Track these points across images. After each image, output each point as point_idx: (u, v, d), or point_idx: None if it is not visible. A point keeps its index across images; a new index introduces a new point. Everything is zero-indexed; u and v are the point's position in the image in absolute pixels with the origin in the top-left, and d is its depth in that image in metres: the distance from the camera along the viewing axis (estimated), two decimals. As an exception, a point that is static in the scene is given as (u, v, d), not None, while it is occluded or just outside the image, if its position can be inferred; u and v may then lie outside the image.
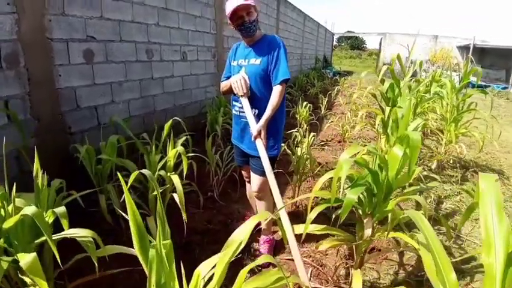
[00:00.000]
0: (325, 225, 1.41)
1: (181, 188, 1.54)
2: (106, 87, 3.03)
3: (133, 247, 1.06)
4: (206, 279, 0.95)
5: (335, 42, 28.47)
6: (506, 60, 14.88)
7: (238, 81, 1.73)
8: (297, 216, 2.41)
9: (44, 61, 2.44)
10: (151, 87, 3.64)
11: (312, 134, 3.05)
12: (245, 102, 1.73)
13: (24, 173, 2.32)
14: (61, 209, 1.13)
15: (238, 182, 2.73)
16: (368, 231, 1.34)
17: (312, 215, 1.27)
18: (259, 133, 1.65)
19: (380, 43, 22.20)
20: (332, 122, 4.51)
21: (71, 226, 1.14)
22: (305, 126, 4.39)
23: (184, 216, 1.52)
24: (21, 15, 2.22)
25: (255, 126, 1.66)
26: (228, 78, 1.94)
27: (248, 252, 2.03)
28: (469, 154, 3.97)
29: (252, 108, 1.78)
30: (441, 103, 3.97)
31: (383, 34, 21.45)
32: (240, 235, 0.95)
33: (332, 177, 1.35)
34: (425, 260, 0.96)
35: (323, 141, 4.50)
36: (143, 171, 1.17)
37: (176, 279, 0.86)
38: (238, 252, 0.95)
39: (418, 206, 2.63)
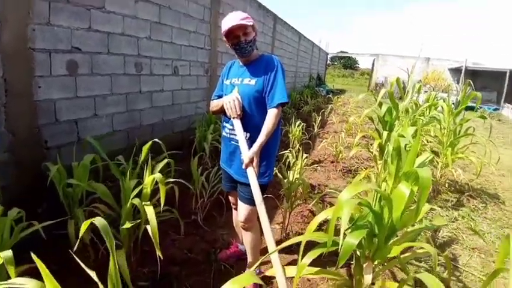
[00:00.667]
0: (319, 268, 1.24)
1: (155, 223, 1.36)
2: (89, 101, 2.88)
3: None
4: None
5: (328, 61, 28.95)
6: (497, 82, 15.27)
7: (231, 101, 1.59)
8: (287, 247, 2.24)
9: (24, 72, 2.31)
10: (138, 101, 3.49)
11: (305, 155, 2.91)
12: (237, 124, 1.58)
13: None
14: (7, 254, 0.95)
15: (225, 205, 2.55)
16: (368, 278, 1.18)
17: (305, 261, 1.11)
18: (251, 161, 1.49)
19: (373, 64, 22.62)
20: (326, 141, 4.39)
21: (34, 252, 0.97)
22: (297, 145, 4.27)
23: (158, 253, 1.34)
24: (3, 24, 2.11)
25: (247, 153, 1.50)
26: (220, 97, 1.81)
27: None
28: (464, 177, 3.89)
29: (243, 132, 1.64)
30: (437, 126, 3.90)
31: (376, 55, 21.90)
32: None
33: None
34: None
35: (315, 161, 4.37)
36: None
37: None
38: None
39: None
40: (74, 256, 0.92)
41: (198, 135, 3.73)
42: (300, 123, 4.66)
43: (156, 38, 3.68)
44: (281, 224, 2.50)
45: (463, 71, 15.04)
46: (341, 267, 2.02)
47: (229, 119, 1.69)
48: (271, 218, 2.62)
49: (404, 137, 1.61)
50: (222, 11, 5.23)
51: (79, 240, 1.13)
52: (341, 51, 32.44)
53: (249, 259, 1.85)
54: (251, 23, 1.61)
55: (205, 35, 4.83)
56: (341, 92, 19.14)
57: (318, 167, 4.02)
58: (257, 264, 1.29)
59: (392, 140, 1.95)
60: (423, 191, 1.11)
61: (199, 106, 4.85)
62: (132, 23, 3.26)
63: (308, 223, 2.63)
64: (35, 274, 0.99)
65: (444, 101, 3.96)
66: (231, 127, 1.70)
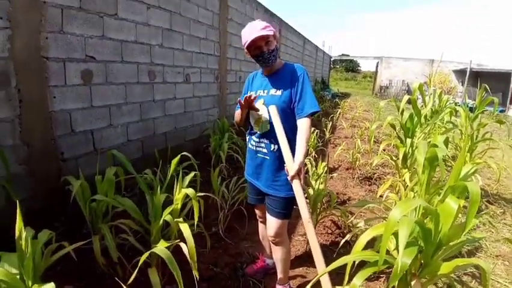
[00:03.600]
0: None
1: (192, 243, 1.29)
2: (104, 110, 2.83)
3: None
4: None
5: (330, 65, 28.95)
6: (501, 84, 15.13)
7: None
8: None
9: (38, 82, 2.25)
10: (151, 110, 3.45)
11: (323, 163, 2.84)
12: (280, 133, 1.48)
13: (11, 203, 2.06)
14: (49, 287, 0.88)
15: (246, 216, 2.48)
16: (418, 297, 1.11)
17: (357, 282, 1.03)
18: (298, 172, 1.41)
19: (377, 66, 22.56)
20: (340, 148, 4.31)
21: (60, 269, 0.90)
22: (313, 153, 4.19)
23: (195, 272, 1.26)
24: (15, 31, 2.04)
25: (291, 165, 1.42)
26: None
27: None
28: (482, 184, 3.81)
29: (271, 144, 1.57)
30: (455, 131, 3.83)
31: (379, 58, 21.83)
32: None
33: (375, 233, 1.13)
34: None
35: (330, 168, 4.29)
36: (159, 251, 0.92)
37: None
38: None
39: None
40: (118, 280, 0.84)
41: (213, 144, 3.66)
42: (314, 129, 4.58)
43: (168, 46, 3.64)
44: (304, 236, 2.41)
45: (467, 73, 14.94)
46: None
47: (255, 132, 1.63)
48: (293, 230, 2.54)
49: (437, 146, 1.54)
50: (230, 17, 5.21)
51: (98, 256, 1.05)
52: (343, 54, 32.37)
53: (280, 275, 1.77)
54: (272, 32, 1.55)
55: (215, 41, 4.79)
56: (346, 95, 19.05)
57: (335, 175, 3.94)
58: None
59: (419, 148, 1.87)
60: (473, 205, 1.05)
61: (210, 113, 4.80)
62: (144, 30, 3.23)
63: (332, 234, 2.57)
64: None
65: (456, 105, 3.89)
66: (257, 139, 1.64)
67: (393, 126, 2.86)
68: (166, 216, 1.48)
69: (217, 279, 1.93)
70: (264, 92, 1.62)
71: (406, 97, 2.51)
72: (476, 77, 16.21)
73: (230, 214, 2.54)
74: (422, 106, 2.71)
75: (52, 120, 2.36)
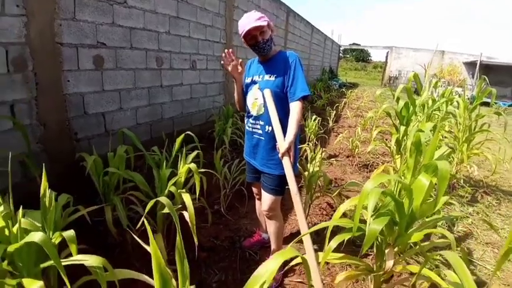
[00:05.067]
0: (343, 254, 1.32)
1: (192, 210, 1.46)
2: (115, 94, 2.99)
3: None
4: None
5: (340, 54, 28.61)
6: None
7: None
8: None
9: (53, 66, 2.40)
10: (159, 95, 3.60)
11: (322, 149, 2.97)
12: (273, 115, 1.61)
13: (28, 180, 2.26)
14: (69, 233, 1.06)
15: (246, 196, 2.65)
16: (389, 263, 1.25)
17: (332, 244, 1.19)
18: (288, 150, 1.55)
19: (387, 56, 22.24)
20: (341, 136, 4.42)
21: (78, 235, 1.07)
22: (314, 139, 4.32)
23: (195, 239, 1.43)
24: (30, 18, 2.19)
25: (283, 143, 1.55)
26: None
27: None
28: (479, 174, 3.89)
29: (266, 125, 1.71)
30: (452, 121, 3.89)
31: (389, 48, 21.50)
32: (263, 273, 0.87)
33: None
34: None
35: (331, 155, 4.42)
36: (161, 199, 1.09)
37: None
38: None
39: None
40: (136, 238, 1.00)
41: (217, 129, 3.82)
42: (316, 117, 4.69)
43: (175, 33, 3.76)
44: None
45: (477, 66, 14.67)
46: (361, 257, 2.10)
47: (252, 114, 1.77)
48: (291, 211, 2.70)
49: (423, 131, 1.65)
50: (236, 4, 5.27)
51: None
52: (354, 44, 31.94)
53: (273, 246, 1.94)
54: (266, 23, 1.67)
55: (221, 29, 4.88)
56: (354, 85, 18.94)
57: (334, 161, 4.07)
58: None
59: (410, 134, 2.00)
60: (442, 182, 1.17)
61: (216, 100, 4.94)
62: (152, 18, 3.35)
63: (327, 215, 2.72)
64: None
65: (459, 96, 3.94)
66: (253, 121, 1.78)
67: (389, 114, 2.96)
68: (171, 187, 1.65)
69: (217, 250, 2.12)
70: (259, 78, 1.75)
71: (401, 86, 2.61)
72: (487, 70, 15.94)
73: (231, 194, 2.71)
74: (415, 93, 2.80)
75: (66, 102, 2.53)
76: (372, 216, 1.21)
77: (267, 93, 1.65)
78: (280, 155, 1.55)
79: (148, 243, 1.05)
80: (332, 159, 4.19)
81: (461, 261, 0.92)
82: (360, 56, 50.50)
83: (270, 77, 1.70)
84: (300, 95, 1.62)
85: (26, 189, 2.23)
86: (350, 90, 11.77)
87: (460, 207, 3.28)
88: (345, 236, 1.22)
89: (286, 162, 1.52)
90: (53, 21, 2.35)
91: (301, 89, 1.63)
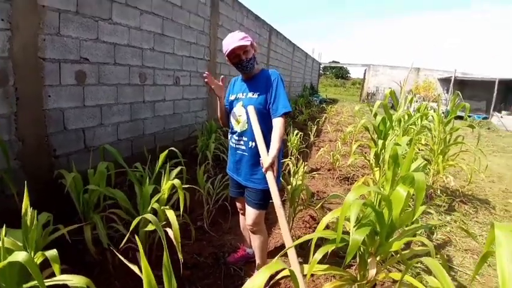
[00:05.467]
0: (328, 265, 1.34)
1: (177, 226, 1.45)
2: (96, 110, 2.96)
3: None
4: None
5: (320, 71, 29.48)
6: (486, 91, 15.72)
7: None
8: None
9: (34, 81, 2.37)
10: (141, 110, 3.58)
11: (304, 163, 3.03)
12: (257, 131, 1.66)
13: (6, 196, 2.17)
14: (52, 253, 1.03)
15: (230, 211, 2.64)
16: (372, 272, 1.29)
17: (318, 256, 1.22)
18: (271, 165, 1.58)
19: (365, 74, 23.13)
20: (323, 150, 4.53)
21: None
22: (296, 154, 4.39)
23: (180, 256, 1.42)
24: (14, 33, 2.17)
25: (266, 158, 1.59)
26: (227, 109, 1.94)
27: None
28: (455, 184, 4.06)
29: (249, 141, 1.75)
30: (428, 134, 4.08)
31: (367, 65, 22.40)
32: None
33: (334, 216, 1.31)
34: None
35: (313, 169, 4.49)
36: (147, 216, 1.09)
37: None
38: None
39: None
40: (121, 257, 0.99)
41: (200, 144, 3.82)
42: (298, 132, 4.79)
43: (159, 49, 3.79)
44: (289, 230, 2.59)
45: (452, 81, 15.49)
46: (345, 267, 2.12)
47: (235, 130, 1.80)
48: (275, 224, 2.71)
49: (399, 145, 1.74)
50: (220, 23, 5.40)
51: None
52: (333, 61, 33.02)
53: (258, 261, 1.93)
54: (249, 42, 1.74)
55: (205, 46, 4.97)
56: (334, 101, 19.48)
57: (316, 175, 4.14)
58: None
59: (388, 148, 2.08)
60: (419, 192, 1.24)
61: (198, 115, 4.96)
62: (137, 35, 3.38)
63: (310, 228, 2.75)
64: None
65: (434, 111, 4.15)
66: (237, 138, 1.82)
67: (367, 129, 3.08)
68: (154, 204, 1.63)
69: (201, 267, 2.08)
70: (243, 95, 1.80)
71: (378, 102, 2.74)
72: (461, 85, 16.83)
73: (215, 209, 2.70)
74: (392, 108, 2.94)
75: (46, 117, 2.48)
76: (354, 226, 1.25)
77: (251, 109, 1.69)
78: (264, 170, 1.59)
79: (131, 262, 1.04)
80: (314, 172, 4.26)
81: (440, 267, 0.96)
82: (339, 73, 52.19)
83: (253, 94, 1.76)
84: (282, 111, 1.68)
85: (4, 206, 2.14)
86: (330, 106, 12.10)
87: (438, 216, 3.39)
88: (330, 247, 1.25)
89: (270, 177, 1.55)
90: (37, 36, 2.34)
91: (283, 105, 1.69)
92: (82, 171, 2.26)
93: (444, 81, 18.31)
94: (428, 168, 3.89)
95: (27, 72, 2.30)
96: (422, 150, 4.34)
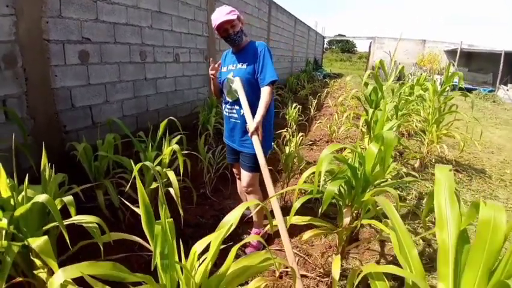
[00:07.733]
0: (310, 217, 1.54)
1: (176, 183, 1.65)
2: (101, 88, 3.12)
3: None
4: (201, 257, 1.07)
5: (326, 45, 28.85)
6: (492, 64, 15.32)
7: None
8: (285, 211, 2.55)
9: (41, 62, 2.52)
10: (144, 88, 3.73)
11: (300, 134, 3.19)
12: (242, 99, 1.81)
13: (22, 170, 2.38)
14: (69, 198, 1.23)
15: (230, 179, 2.85)
16: (346, 220, 1.48)
17: (296, 204, 1.41)
18: (256, 129, 1.75)
19: (370, 46, 22.62)
20: (320, 122, 4.66)
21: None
22: (294, 126, 4.54)
23: (180, 209, 1.62)
24: (19, 17, 2.30)
25: (252, 123, 1.76)
26: (220, 82, 2.09)
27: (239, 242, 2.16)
28: (451, 154, 4.17)
29: (241, 110, 1.91)
30: (423, 105, 4.16)
31: (373, 38, 21.86)
32: (231, 219, 1.07)
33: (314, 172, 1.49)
34: (393, 240, 1.09)
35: (311, 141, 4.65)
36: (146, 163, 1.28)
37: (176, 252, 0.99)
38: (229, 232, 1.07)
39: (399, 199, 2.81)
40: (130, 205, 1.17)
41: (201, 118, 4.00)
42: (296, 105, 4.91)
43: (158, 27, 3.88)
44: (280, 195, 2.80)
45: (458, 53, 15.13)
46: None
47: (228, 100, 1.96)
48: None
49: (381, 110, 1.88)
50: (218, -2, 5.39)
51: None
52: (339, 35, 32.24)
53: (254, 219, 2.16)
54: (236, 16, 1.86)
55: (203, 22, 5.00)
56: (338, 76, 19.24)
57: (314, 147, 4.30)
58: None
59: (376, 115, 2.22)
60: (387, 148, 1.40)
61: (200, 92, 5.09)
62: (135, 13, 3.46)
63: (304, 193, 2.95)
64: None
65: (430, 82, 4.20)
66: (229, 107, 1.98)
67: (358, 98, 3.19)
68: (156, 167, 1.83)
69: (203, 227, 2.32)
70: (233, 66, 1.95)
71: (368, 71, 2.83)
72: (468, 58, 16.41)
73: (216, 178, 2.91)
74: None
75: (54, 96, 2.65)
76: (329, 180, 1.43)
77: (237, 81, 1.84)
78: (249, 134, 1.76)
79: (140, 227, 1.23)
80: (313, 145, 4.42)
81: (388, 202, 1.13)
82: (345, 47, 50.89)
83: (242, 65, 1.90)
84: (269, 80, 1.82)
85: (23, 179, 2.36)
86: (333, 80, 12.03)
87: (430, 183, 3.55)
88: (307, 197, 1.44)
89: (255, 140, 1.74)
90: (40, 20, 2.47)
91: (270, 75, 1.83)
92: (92, 144, 2.45)
93: (451, 54, 17.85)
94: (423, 138, 4.01)
95: (34, 54, 2.45)
96: (420, 121, 4.43)
